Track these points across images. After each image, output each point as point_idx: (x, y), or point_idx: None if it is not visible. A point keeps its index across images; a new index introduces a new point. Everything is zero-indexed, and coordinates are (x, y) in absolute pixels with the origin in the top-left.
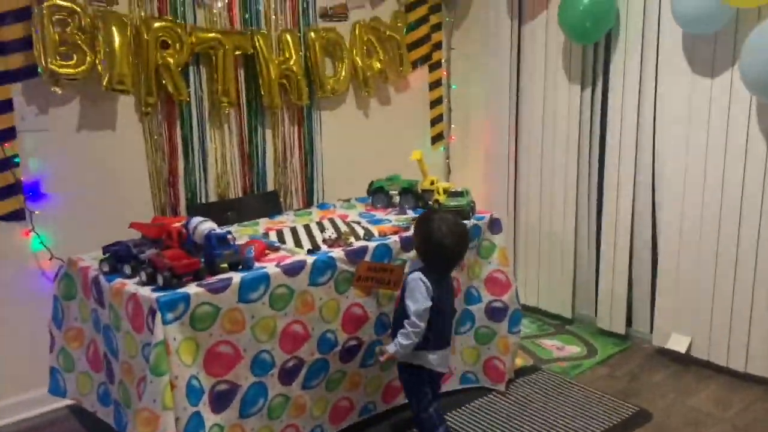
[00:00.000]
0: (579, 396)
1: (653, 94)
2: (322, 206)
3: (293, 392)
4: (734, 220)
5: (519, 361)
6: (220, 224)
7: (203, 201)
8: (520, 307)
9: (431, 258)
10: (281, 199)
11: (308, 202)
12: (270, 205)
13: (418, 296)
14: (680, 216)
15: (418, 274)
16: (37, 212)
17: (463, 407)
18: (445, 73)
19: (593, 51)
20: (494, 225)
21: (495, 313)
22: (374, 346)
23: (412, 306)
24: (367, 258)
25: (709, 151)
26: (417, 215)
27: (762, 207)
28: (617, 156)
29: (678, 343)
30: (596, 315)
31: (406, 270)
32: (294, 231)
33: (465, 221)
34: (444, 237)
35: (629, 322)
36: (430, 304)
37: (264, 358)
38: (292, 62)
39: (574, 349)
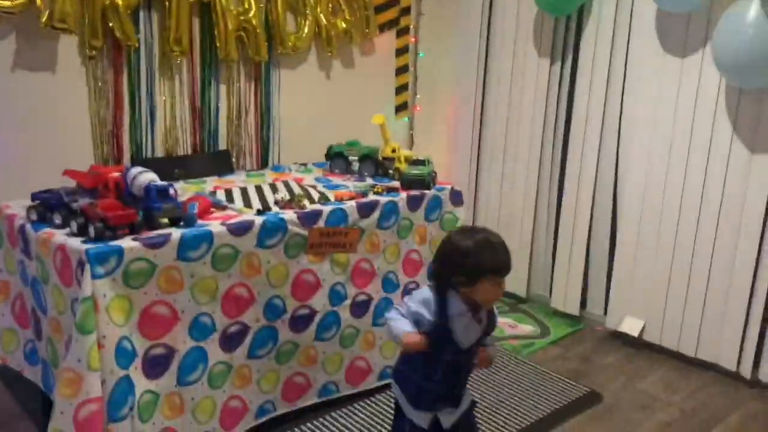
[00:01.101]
0: (530, 375)
1: (623, 71)
2: (277, 168)
3: (236, 360)
4: (695, 207)
5: None
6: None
7: (149, 156)
8: None
9: (456, 274)
10: (233, 160)
11: (263, 164)
12: (221, 164)
13: (414, 302)
14: (641, 200)
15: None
16: None
17: None
18: (413, 39)
19: (565, 24)
20: (456, 197)
21: None
22: (330, 318)
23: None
24: (321, 223)
25: (675, 134)
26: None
27: (723, 192)
28: (582, 135)
29: (631, 327)
30: (551, 296)
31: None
32: (244, 191)
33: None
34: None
35: (584, 304)
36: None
37: (204, 322)
38: (251, 14)
39: (528, 328)
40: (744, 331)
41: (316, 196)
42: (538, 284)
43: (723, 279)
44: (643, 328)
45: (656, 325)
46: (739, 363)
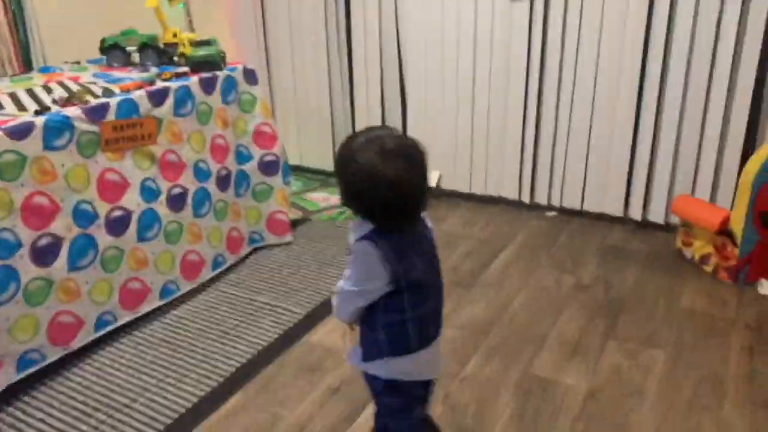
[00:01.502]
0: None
1: None
2: (45, 69)
3: (57, 275)
4: (469, 58)
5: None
6: None
7: None
8: (287, 158)
9: (379, 210)
10: None
11: (27, 69)
12: None
13: (360, 272)
14: (424, 59)
15: (365, 244)
16: None
17: (250, 266)
18: None
19: None
20: (250, 76)
21: (268, 167)
22: (148, 216)
23: (344, 279)
24: (112, 116)
25: None
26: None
27: (492, 44)
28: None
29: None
30: None
31: (351, 235)
32: (14, 96)
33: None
34: (388, 171)
35: None
36: (378, 287)
37: (5, 238)
38: None
39: (339, 198)
40: (521, 163)
41: (99, 91)
42: None
43: (497, 121)
44: (440, 178)
45: (449, 174)
46: (520, 192)
